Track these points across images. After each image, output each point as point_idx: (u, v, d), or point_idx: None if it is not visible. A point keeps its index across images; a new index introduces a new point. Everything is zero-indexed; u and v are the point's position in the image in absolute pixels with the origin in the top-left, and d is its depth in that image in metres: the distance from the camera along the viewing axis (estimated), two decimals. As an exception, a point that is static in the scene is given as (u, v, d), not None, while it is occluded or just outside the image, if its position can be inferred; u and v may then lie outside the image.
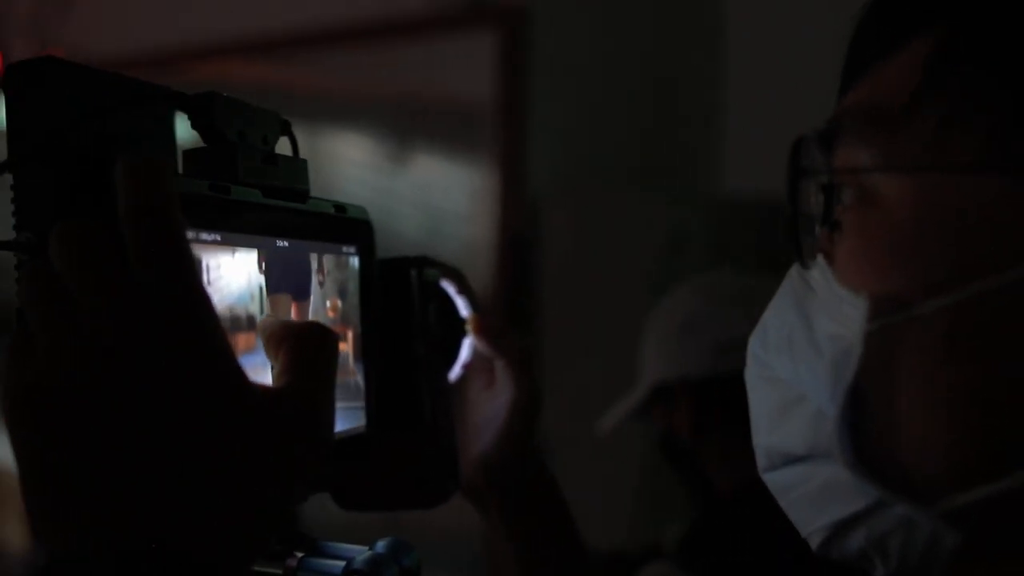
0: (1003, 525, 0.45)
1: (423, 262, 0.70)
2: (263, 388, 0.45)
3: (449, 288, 0.73)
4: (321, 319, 0.59)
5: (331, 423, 0.47)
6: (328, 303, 0.60)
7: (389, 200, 5.81)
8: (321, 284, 0.59)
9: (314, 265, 0.58)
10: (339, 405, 0.58)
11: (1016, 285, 0.43)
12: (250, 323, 0.52)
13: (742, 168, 2.64)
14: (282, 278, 0.55)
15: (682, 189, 2.88)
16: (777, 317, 0.52)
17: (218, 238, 0.50)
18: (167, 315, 0.43)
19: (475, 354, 0.75)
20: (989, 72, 0.45)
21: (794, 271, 0.52)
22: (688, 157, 2.96)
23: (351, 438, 0.60)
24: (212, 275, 0.50)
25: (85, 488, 0.42)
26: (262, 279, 0.53)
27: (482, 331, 0.74)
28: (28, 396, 0.43)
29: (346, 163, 5.77)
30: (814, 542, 0.50)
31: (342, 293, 0.61)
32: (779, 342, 0.51)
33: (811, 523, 0.49)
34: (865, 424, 0.46)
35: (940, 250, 0.45)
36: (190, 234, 0.49)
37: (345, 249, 0.61)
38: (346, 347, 0.64)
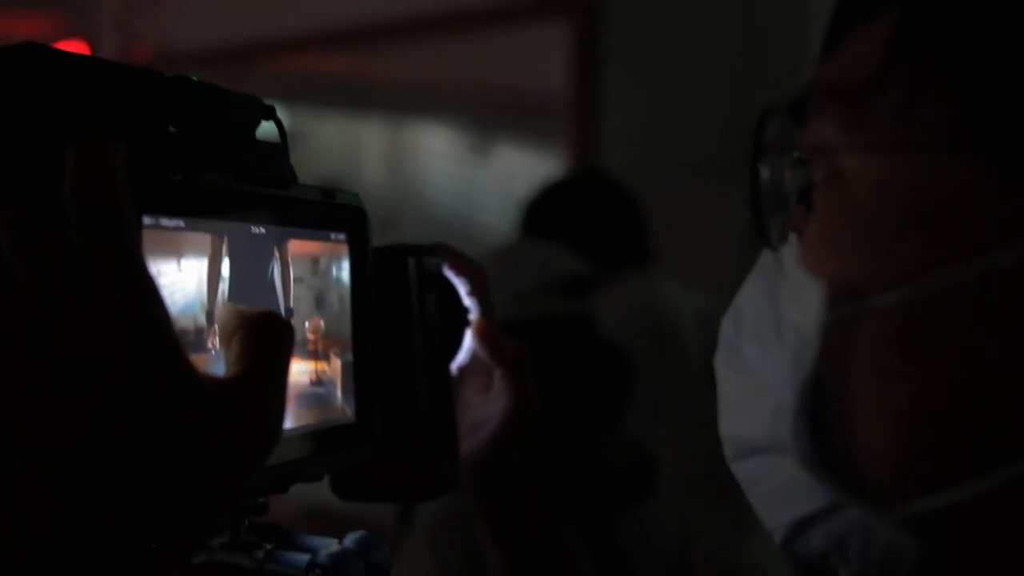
0: (966, 536, 0.42)
1: (422, 250, 0.68)
2: (209, 377, 0.44)
3: (453, 277, 0.72)
4: (302, 348, 0.56)
5: (281, 413, 0.46)
6: (308, 324, 0.58)
7: (472, 190, 5.83)
8: (286, 290, 0.55)
9: (278, 276, 0.56)
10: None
11: (980, 279, 0.40)
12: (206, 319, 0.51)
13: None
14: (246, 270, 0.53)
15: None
16: (749, 299, 0.49)
17: (181, 224, 0.50)
18: (107, 297, 0.42)
19: (475, 356, 0.73)
20: (952, 47, 0.42)
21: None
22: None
23: (337, 428, 0.59)
24: (173, 262, 0.49)
25: (17, 474, 0.41)
26: (225, 268, 0.52)
27: (484, 337, 0.72)
28: None
29: (429, 154, 5.80)
30: (777, 539, 0.47)
31: (319, 303, 0.58)
32: (751, 327, 0.49)
33: (773, 519, 0.47)
34: (826, 420, 0.44)
35: (900, 238, 0.42)
36: (149, 220, 0.48)
37: (334, 236, 0.60)
38: (328, 371, 0.58)
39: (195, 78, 0.53)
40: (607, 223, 2.15)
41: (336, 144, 6.54)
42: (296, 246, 0.57)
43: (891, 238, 0.43)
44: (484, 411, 0.73)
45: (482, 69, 4.37)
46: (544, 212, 2.16)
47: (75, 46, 3.74)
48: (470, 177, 5.94)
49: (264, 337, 0.46)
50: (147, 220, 0.48)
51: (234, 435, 0.44)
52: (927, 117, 0.42)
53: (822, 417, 0.44)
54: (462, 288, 0.72)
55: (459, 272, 0.72)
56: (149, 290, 0.43)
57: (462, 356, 0.72)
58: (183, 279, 0.50)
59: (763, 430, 0.46)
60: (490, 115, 5.87)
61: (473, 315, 0.72)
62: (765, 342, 0.47)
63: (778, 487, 0.46)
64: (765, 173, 0.48)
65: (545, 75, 3.21)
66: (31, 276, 0.43)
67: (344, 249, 0.60)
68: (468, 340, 0.72)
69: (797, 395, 0.44)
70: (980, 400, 0.41)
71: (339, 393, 0.59)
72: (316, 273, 0.58)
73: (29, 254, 0.43)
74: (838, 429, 0.44)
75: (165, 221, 0.49)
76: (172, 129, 0.52)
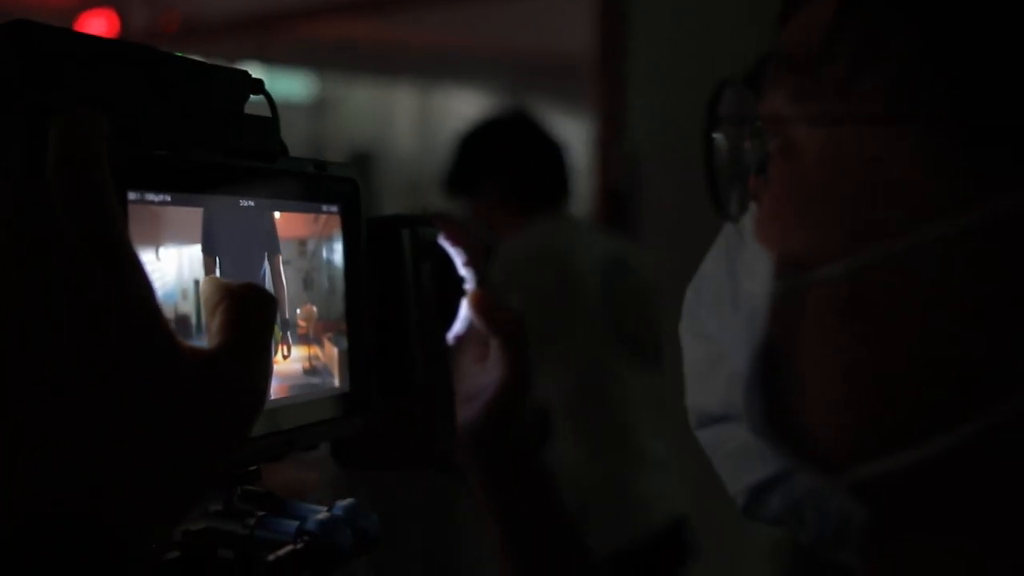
0: (911, 500, 0.43)
1: (417, 221, 0.68)
2: (193, 349, 0.45)
3: (449, 247, 0.72)
4: (292, 333, 0.57)
5: (265, 384, 0.47)
6: (299, 311, 0.56)
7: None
8: (275, 273, 0.55)
9: (266, 266, 0.54)
10: None
11: (917, 250, 0.41)
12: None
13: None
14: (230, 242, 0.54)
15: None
16: (710, 268, 0.50)
17: (167, 198, 0.50)
18: (89, 273, 0.43)
19: (472, 325, 0.73)
20: (896, 18, 0.42)
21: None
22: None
23: (331, 398, 0.60)
24: (159, 237, 0.50)
25: (8, 447, 0.43)
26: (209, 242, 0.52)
27: (479, 307, 0.72)
28: None
29: (459, 119, 5.80)
30: (739, 504, 0.48)
31: (308, 285, 0.58)
32: (710, 296, 0.49)
33: (733, 485, 0.48)
34: (776, 388, 0.45)
35: (844, 209, 0.43)
36: (134, 195, 0.49)
37: (326, 208, 0.60)
38: (322, 357, 0.57)
39: (180, 54, 0.54)
40: (529, 162, 2.19)
41: (366, 110, 6.56)
42: (283, 228, 0.57)
43: (836, 209, 0.43)
44: (481, 380, 0.73)
45: (511, 33, 4.36)
46: (471, 150, 2.22)
47: (104, 15, 3.77)
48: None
49: (246, 309, 0.47)
50: (132, 195, 0.48)
51: (217, 405, 0.45)
52: (871, 89, 0.43)
53: (773, 385, 0.45)
54: (458, 258, 0.73)
55: (455, 243, 0.72)
56: (131, 266, 0.44)
57: (458, 325, 0.72)
58: (168, 255, 0.50)
59: (719, 398, 0.47)
60: (520, 79, 5.87)
61: (469, 285, 0.72)
62: (722, 311, 0.48)
63: (735, 454, 0.47)
64: (724, 143, 0.48)
65: (573, 39, 3.20)
66: (12, 247, 0.44)
67: (334, 229, 0.60)
68: (464, 309, 0.72)
69: (749, 364, 0.45)
70: (921, 368, 0.41)
71: (336, 382, 0.58)
72: (304, 255, 0.58)
73: (12, 225, 0.44)
74: (787, 397, 0.45)
75: (151, 196, 0.49)
76: (159, 104, 0.52)
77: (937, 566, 0.44)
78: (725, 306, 0.47)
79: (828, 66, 0.44)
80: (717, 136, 0.48)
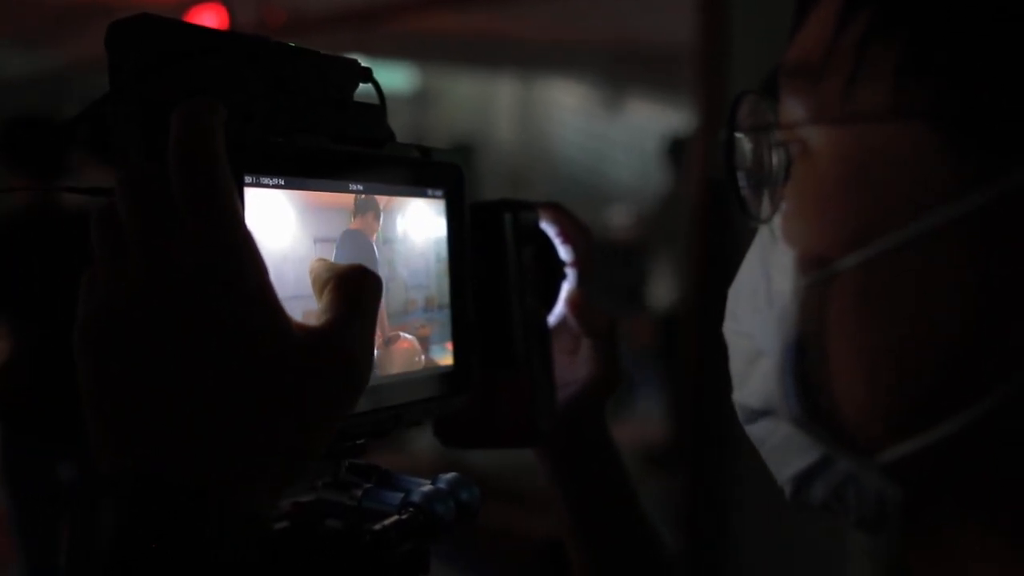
0: (942, 476, 0.45)
1: (519, 205, 0.70)
2: (300, 325, 0.47)
3: (559, 244, 0.73)
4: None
5: (368, 359, 0.49)
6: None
7: (602, 145, 5.81)
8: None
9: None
10: None
11: (925, 237, 0.43)
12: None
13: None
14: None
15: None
16: (747, 269, 0.52)
17: (281, 182, 0.53)
18: (207, 254, 0.46)
19: (566, 318, 0.74)
20: (890, 16, 0.44)
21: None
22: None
23: (436, 375, 0.61)
24: (271, 217, 0.52)
25: (128, 410, 0.45)
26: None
27: (576, 308, 0.74)
28: (89, 327, 0.47)
29: (560, 110, 5.82)
30: (787, 493, 0.50)
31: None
32: (747, 295, 0.51)
33: (780, 475, 0.50)
34: (809, 379, 0.47)
35: (855, 204, 0.45)
36: (250, 178, 0.51)
37: (431, 192, 0.62)
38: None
39: (293, 44, 0.56)
40: None
41: (468, 101, 6.60)
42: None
43: (849, 204, 0.45)
44: (568, 374, 0.74)
45: (612, 24, 4.36)
46: None
47: (212, 9, 3.85)
48: (600, 132, 5.93)
49: (353, 289, 0.49)
50: (248, 178, 0.51)
51: (323, 380, 0.47)
52: (872, 87, 0.45)
53: (806, 376, 0.47)
54: (565, 256, 0.74)
55: (565, 240, 0.74)
56: (245, 246, 0.47)
57: (559, 308, 0.74)
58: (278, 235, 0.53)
59: (760, 394, 0.49)
60: (620, 70, 5.86)
61: (569, 284, 0.73)
62: (758, 309, 0.50)
63: (779, 445, 0.49)
64: (749, 150, 0.51)
65: (674, 29, 3.19)
66: (137, 234, 0.47)
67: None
68: (563, 299, 0.74)
69: (782, 357, 0.47)
70: (936, 348, 0.43)
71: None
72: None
73: (135, 216, 0.47)
74: (820, 386, 0.47)
75: (265, 179, 0.52)
76: (273, 92, 0.55)
77: (974, 540, 0.46)
78: (760, 304, 0.49)
79: (832, 72, 0.46)
80: (741, 140, 0.50)
